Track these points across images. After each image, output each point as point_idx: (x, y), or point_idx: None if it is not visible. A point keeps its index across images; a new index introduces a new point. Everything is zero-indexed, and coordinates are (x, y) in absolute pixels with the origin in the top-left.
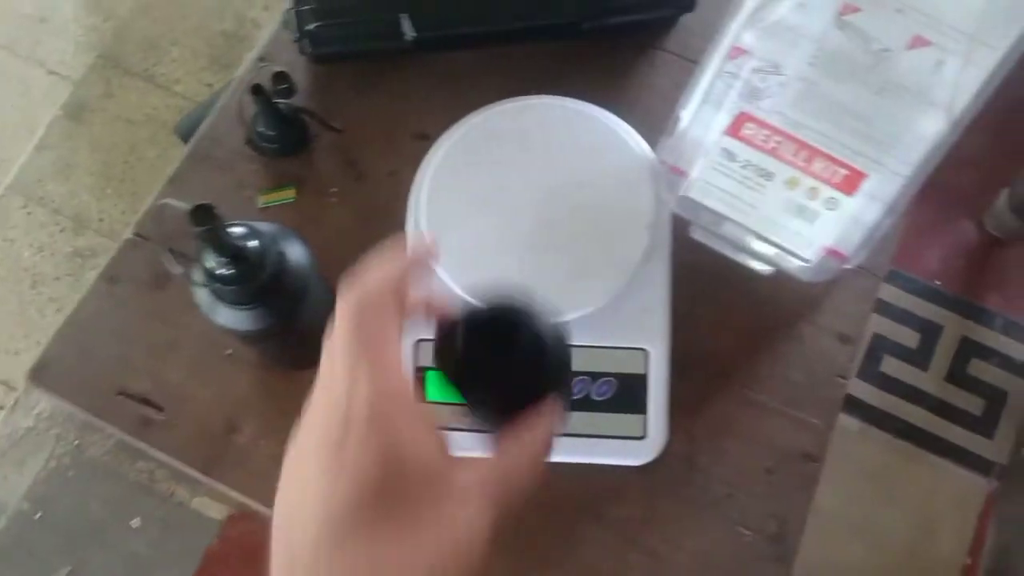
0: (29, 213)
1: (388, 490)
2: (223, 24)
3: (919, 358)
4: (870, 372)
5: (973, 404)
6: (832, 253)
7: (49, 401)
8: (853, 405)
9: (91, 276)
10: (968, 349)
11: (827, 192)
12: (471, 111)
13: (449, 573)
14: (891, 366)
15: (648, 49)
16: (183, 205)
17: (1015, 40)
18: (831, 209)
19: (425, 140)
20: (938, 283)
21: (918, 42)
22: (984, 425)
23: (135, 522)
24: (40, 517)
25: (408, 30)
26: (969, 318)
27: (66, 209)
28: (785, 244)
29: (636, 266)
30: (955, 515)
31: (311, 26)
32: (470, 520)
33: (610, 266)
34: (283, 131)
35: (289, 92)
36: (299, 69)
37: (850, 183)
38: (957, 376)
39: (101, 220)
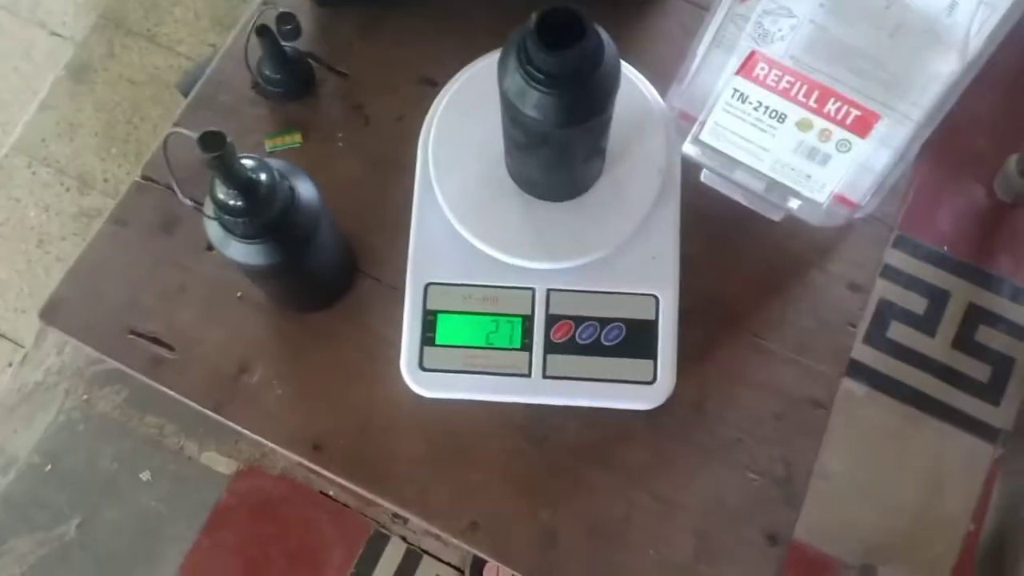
0: (34, 173)
1: None
2: None
3: (926, 324)
4: (877, 337)
5: (980, 371)
6: (842, 200)
7: (58, 357)
8: (860, 370)
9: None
10: (976, 315)
11: (840, 134)
12: (477, 56)
13: None
14: (898, 332)
15: None
16: (192, 133)
17: None
18: (844, 151)
19: (432, 85)
20: (946, 248)
21: None
22: (991, 392)
23: (145, 475)
24: (50, 470)
25: None
26: (977, 284)
27: (70, 169)
28: (797, 187)
29: (646, 211)
30: (961, 480)
31: None
32: None
33: (620, 211)
34: (289, 74)
35: (295, 33)
36: (304, 13)
37: (863, 124)
38: (964, 342)
39: (106, 180)
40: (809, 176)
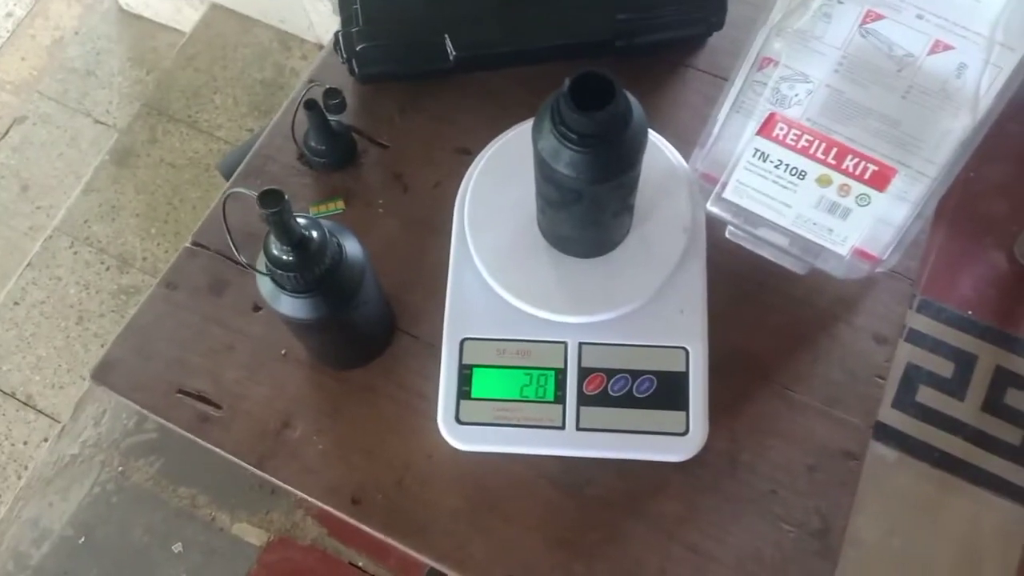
0: (75, 253)
1: None
2: (263, 73)
3: (954, 387)
4: (906, 402)
5: (1011, 434)
6: (863, 254)
7: (95, 429)
8: (890, 435)
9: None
10: (1004, 378)
11: (859, 188)
12: (509, 126)
13: None
14: (926, 396)
15: (679, 67)
16: (251, 192)
17: None
18: (863, 205)
19: (466, 154)
20: (970, 312)
21: (939, 46)
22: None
23: (177, 547)
24: (83, 542)
25: (450, 51)
26: (1003, 347)
27: (111, 249)
28: (819, 241)
29: (673, 267)
30: (998, 546)
31: (359, 47)
32: None
33: (648, 266)
34: (333, 146)
35: (341, 107)
36: (347, 90)
37: (880, 179)
38: (994, 405)
39: (145, 259)
40: (831, 230)
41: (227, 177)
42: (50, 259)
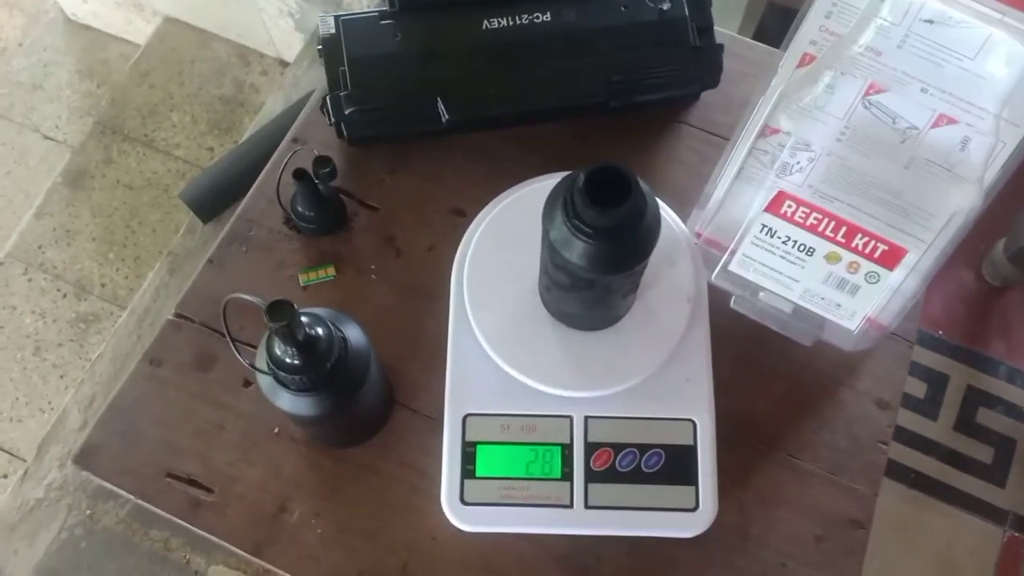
0: (30, 280)
1: None
2: (222, 89)
3: (927, 408)
4: None
5: (983, 452)
6: (873, 324)
7: (60, 472)
8: None
9: (94, 341)
10: (975, 398)
11: (868, 267)
12: (504, 187)
13: None
14: (901, 416)
15: (672, 123)
16: (255, 299)
17: None
18: (872, 283)
19: (461, 216)
20: (941, 333)
21: (943, 120)
22: (995, 473)
23: None
24: None
25: (443, 113)
26: (973, 367)
27: (68, 275)
28: (827, 315)
29: (678, 337)
30: (973, 565)
31: (347, 111)
32: None
33: (653, 338)
34: (322, 211)
35: (331, 175)
36: (333, 149)
37: (891, 258)
38: (966, 425)
39: (103, 285)
40: (839, 305)
41: (191, 206)
42: (2, 287)
